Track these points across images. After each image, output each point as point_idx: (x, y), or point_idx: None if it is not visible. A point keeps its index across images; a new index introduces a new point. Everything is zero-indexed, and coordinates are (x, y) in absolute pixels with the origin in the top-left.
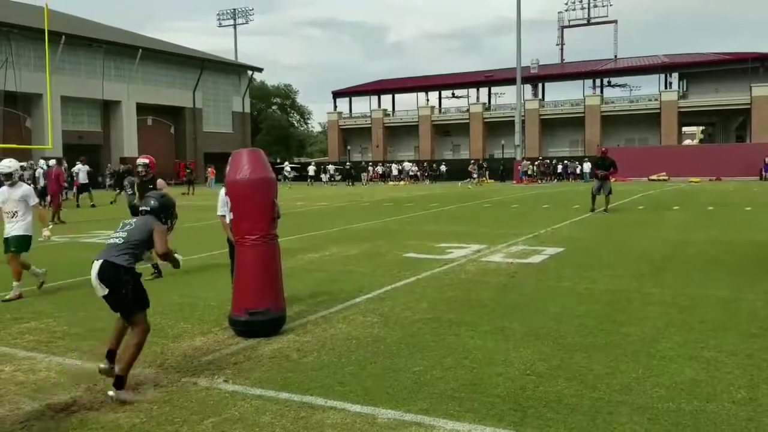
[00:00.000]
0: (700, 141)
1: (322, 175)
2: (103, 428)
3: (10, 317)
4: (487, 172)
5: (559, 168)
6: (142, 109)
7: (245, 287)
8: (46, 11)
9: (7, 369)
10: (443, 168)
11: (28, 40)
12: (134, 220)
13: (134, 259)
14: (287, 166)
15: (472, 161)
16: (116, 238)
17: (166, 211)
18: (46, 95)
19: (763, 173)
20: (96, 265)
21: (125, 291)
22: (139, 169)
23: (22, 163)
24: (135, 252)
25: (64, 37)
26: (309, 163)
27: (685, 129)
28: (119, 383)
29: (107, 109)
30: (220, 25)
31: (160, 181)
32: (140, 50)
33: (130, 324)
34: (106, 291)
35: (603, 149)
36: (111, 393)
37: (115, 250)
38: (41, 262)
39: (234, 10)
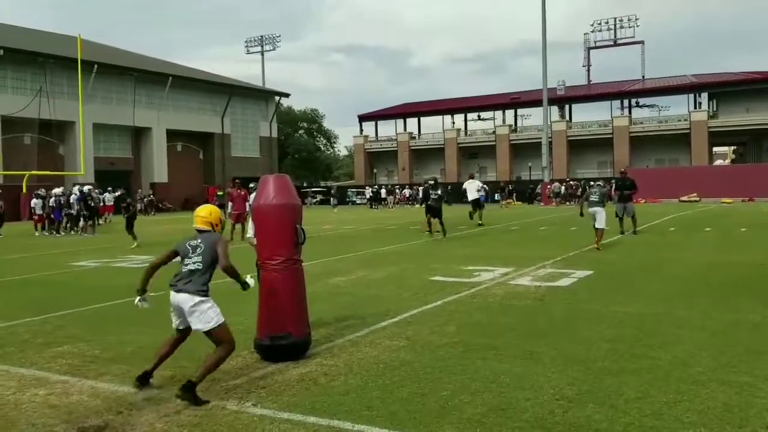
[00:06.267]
0: (732, 161)
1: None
2: None
3: (43, 341)
4: (514, 195)
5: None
6: (172, 135)
7: (267, 311)
8: (80, 42)
9: (40, 392)
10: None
11: (62, 69)
12: None
13: None
14: (333, 190)
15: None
16: None
17: None
18: (79, 123)
19: None
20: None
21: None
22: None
23: (57, 189)
24: None
25: (96, 66)
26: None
27: (715, 149)
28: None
29: (138, 135)
30: (248, 52)
31: None
32: (170, 78)
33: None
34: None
35: (622, 170)
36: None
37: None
38: (72, 287)
39: (261, 36)
